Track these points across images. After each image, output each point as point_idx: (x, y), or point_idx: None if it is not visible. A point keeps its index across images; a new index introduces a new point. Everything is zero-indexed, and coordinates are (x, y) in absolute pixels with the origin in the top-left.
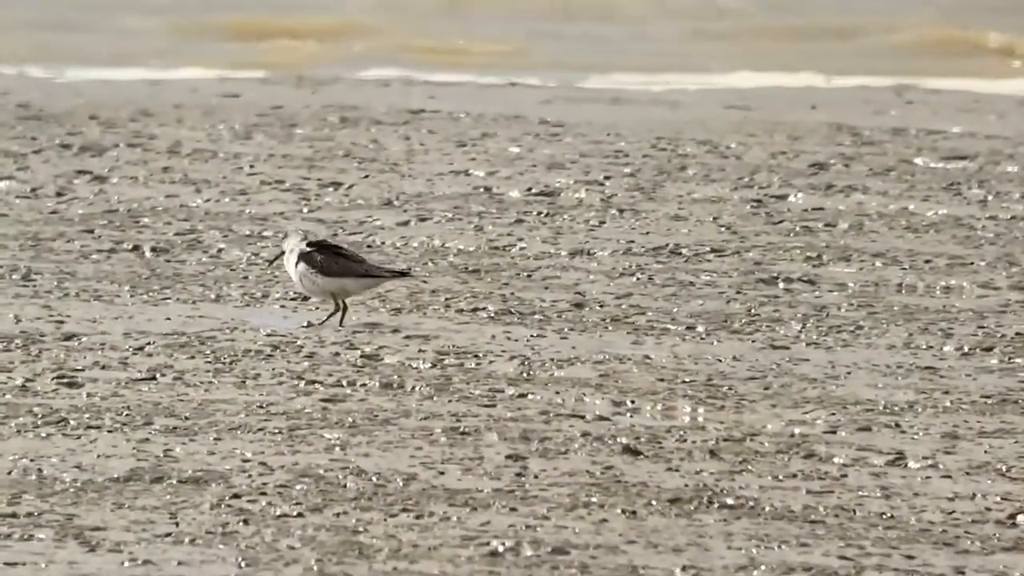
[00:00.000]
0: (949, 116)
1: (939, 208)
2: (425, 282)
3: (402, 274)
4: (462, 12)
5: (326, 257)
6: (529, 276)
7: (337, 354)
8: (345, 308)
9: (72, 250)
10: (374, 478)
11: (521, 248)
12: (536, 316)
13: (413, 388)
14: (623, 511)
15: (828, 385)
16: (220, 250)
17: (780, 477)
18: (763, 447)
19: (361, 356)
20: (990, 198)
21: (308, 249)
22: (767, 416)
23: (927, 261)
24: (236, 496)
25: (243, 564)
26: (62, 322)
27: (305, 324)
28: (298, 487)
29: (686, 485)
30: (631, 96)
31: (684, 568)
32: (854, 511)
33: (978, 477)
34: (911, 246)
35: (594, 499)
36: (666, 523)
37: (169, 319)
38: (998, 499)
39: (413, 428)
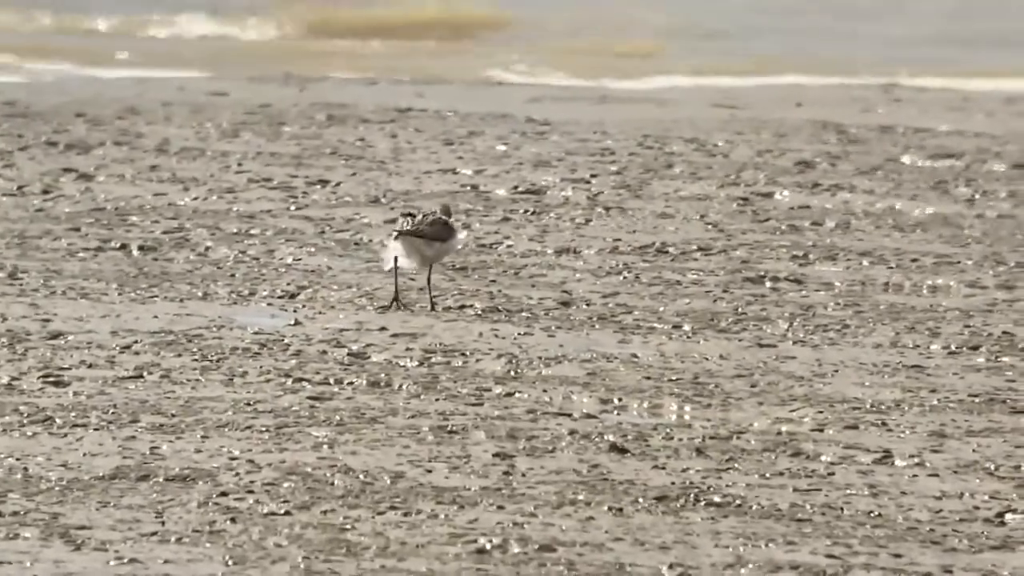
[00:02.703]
0: (936, 114)
1: (926, 207)
2: (413, 279)
3: (399, 233)
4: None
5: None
6: (516, 274)
7: (324, 352)
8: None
9: (59, 248)
10: (361, 476)
11: (508, 246)
12: (523, 314)
13: (400, 386)
14: (610, 509)
15: (815, 383)
16: (208, 248)
17: (767, 475)
18: (750, 445)
19: (348, 354)
20: (977, 196)
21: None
22: (754, 414)
23: (914, 260)
24: (223, 494)
25: (230, 562)
26: (48, 320)
27: (292, 323)
28: (285, 485)
29: (673, 483)
30: (618, 94)
31: (671, 566)
32: (841, 509)
33: (966, 476)
34: (898, 245)
35: (581, 497)
36: (653, 521)
37: (156, 317)
38: (986, 497)
39: (400, 426)
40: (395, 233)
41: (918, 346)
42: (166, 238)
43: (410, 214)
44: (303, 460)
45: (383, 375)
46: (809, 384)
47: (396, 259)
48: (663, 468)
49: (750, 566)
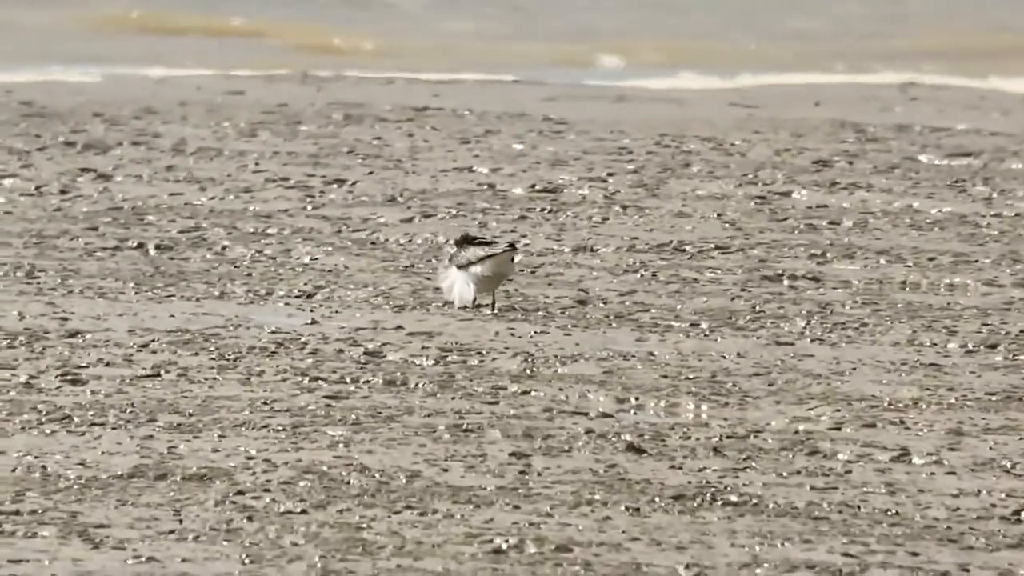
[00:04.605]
0: (954, 113)
1: (943, 205)
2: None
3: (510, 246)
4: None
5: (460, 251)
6: (533, 273)
7: (340, 351)
8: (490, 299)
9: (76, 247)
10: (377, 475)
11: (525, 245)
12: (539, 313)
13: (416, 385)
14: (626, 508)
15: (832, 382)
16: (224, 247)
17: (784, 474)
18: (767, 444)
19: (364, 353)
20: (995, 195)
21: (454, 250)
22: (771, 413)
23: (931, 258)
24: (240, 493)
25: (247, 561)
26: (66, 319)
27: (309, 322)
28: (302, 484)
29: (689, 482)
30: (635, 93)
31: (687, 566)
32: (858, 508)
33: (983, 473)
34: (915, 243)
35: (597, 496)
36: (669, 520)
37: (173, 316)
38: (1003, 496)
39: (416, 425)
40: (512, 251)
41: (935, 344)
42: (183, 237)
43: (477, 240)
44: (319, 459)
45: (399, 374)
46: (827, 382)
47: (467, 287)
48: (680, 467)
49: (766, 565)
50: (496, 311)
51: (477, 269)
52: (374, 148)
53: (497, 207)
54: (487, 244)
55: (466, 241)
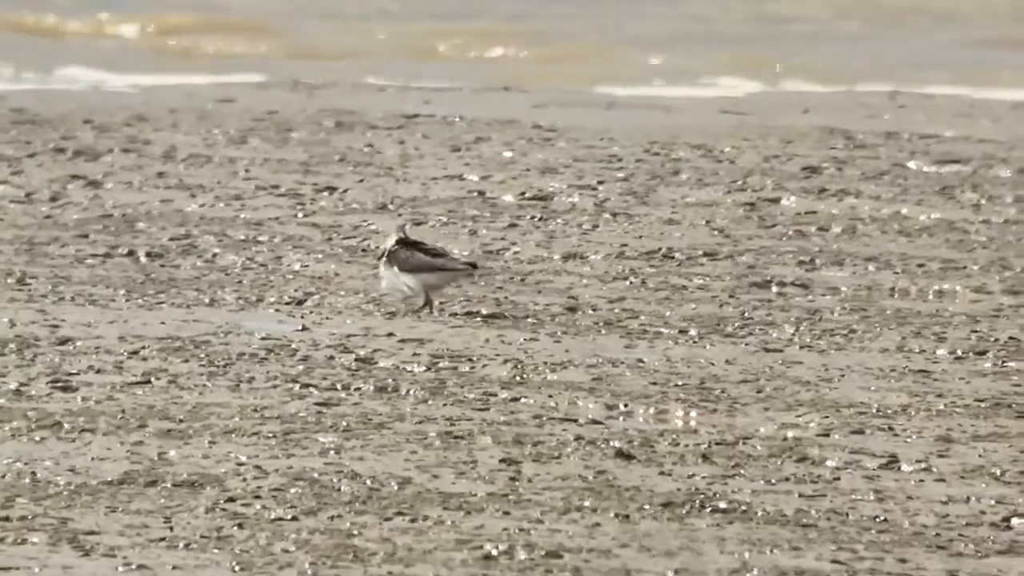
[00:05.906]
0: (942, 120)
1: (932, 212)
2: (483, 275)
3: (471, 266)
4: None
5: (407, 253)
6: (523, 280)
7: (331, 358)
8: (430, 302)
9: (67, 254)
10: (368, 481)
11: (514, 252)
12: (529, 320)
13: (407, 392)
14: (616, 515)
15: (821, 388)
16: (215, 255)
17: (773, 481)
18: (756, 451)
19: (355, 360)
20: (983, 202)
21: (394, 247)
22: (760, 419)
23: (920, 265)
24: (231, 500)
25: (237, 568)
26: (57, 326)
27: (299, 328)
28: (292, 491)
29: (679, 489)
30: (625, 101)
31: (677, 572)
32: (847, 515)
33: (972, 480)
34: (904, 250)
35: (587, 503)
36: (659, 527)
37: (164, 323)
38: (992, 502)
39: (407, 432)
40: (471, 271)
41: (924, 351)
42: (173, 245)
43: (421, 246)
44: (310, 466)
45: (390, 381)
46: (815, 389)
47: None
48: (669, 474)
49: (755, 572)
50: (434, 313)
51: (429, 279)
52: (365, 155)
53: (487, 215)
54: (432, 253)
55: (409, 245)
